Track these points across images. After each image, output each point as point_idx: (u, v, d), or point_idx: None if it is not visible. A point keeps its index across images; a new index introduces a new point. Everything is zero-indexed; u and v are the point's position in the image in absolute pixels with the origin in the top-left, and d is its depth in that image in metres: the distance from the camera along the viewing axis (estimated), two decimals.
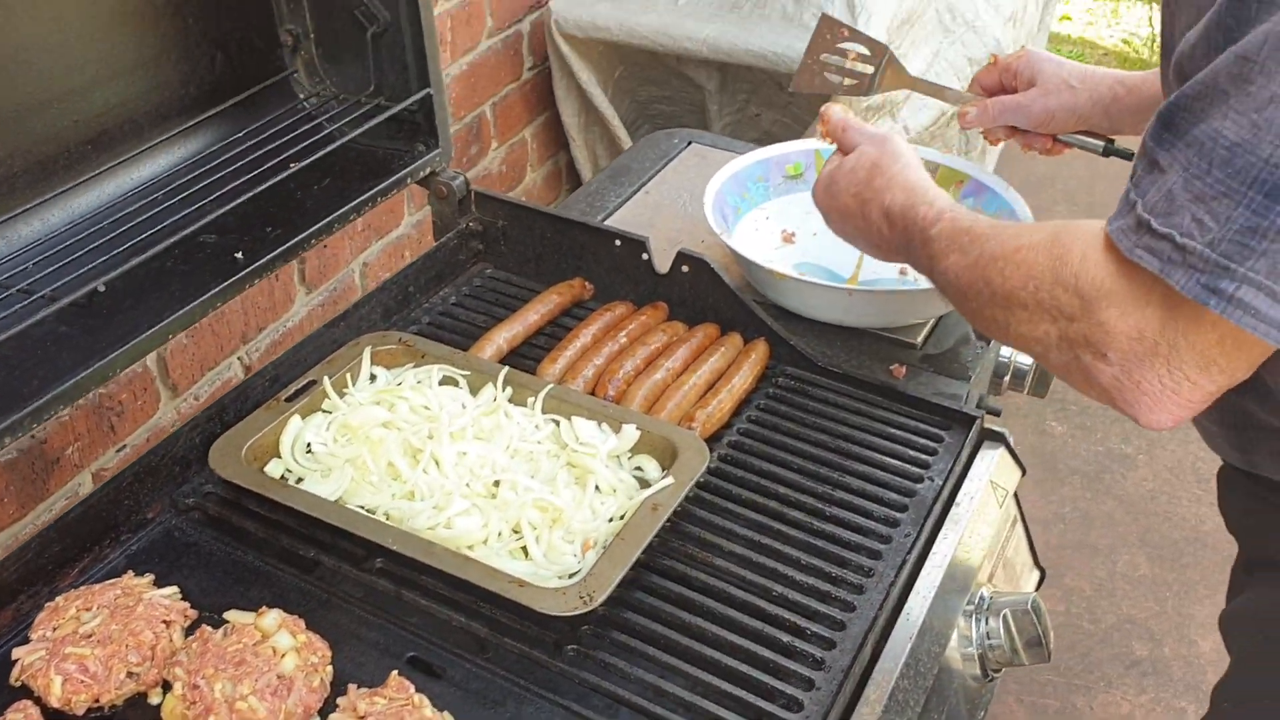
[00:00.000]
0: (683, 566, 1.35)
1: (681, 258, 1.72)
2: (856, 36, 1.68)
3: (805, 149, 2.02)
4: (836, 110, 1.47)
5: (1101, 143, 1.64)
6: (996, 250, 1.12)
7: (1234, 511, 1.37)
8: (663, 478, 1.39)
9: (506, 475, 1.41)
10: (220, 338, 2.21)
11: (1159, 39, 1.18)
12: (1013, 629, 1.43)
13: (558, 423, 1.50)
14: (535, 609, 1.22)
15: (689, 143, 2.31)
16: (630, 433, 1.47)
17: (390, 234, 2.68)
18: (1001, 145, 3.79)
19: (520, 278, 1.87)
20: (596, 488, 1.41)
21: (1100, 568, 3.10)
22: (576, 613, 1.21)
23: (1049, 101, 1.60)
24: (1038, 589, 1.70)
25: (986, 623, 1.44)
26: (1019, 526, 1.68)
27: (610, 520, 1.38)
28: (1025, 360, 1.87)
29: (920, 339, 1.76)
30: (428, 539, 1.31)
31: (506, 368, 1.55)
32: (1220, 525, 1.48)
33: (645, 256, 1.75)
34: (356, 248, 2.58)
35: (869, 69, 1.67)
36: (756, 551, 1.37)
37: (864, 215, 1.37)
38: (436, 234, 1.87)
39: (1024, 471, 1.64)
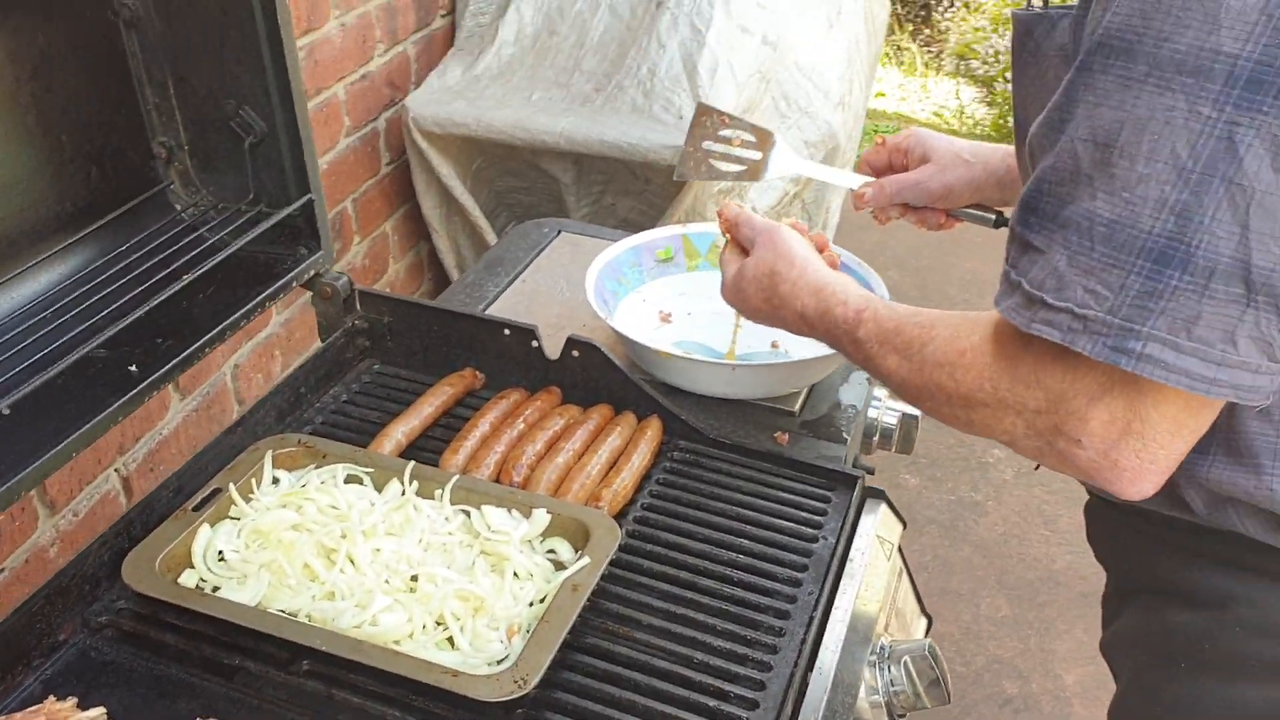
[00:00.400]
0: (606, 643, 1.39)
1: (571, 343, 1.78)
2: (738, 123, 1.74)
3: (673, 234, 2.12)
4: (731, 207, 1.54)
5: (993, 215, 1.68)
6: (940, 356, 1.16)
7: (1103, 542, 1.49)
8: (578, 558, 1.45)
9: (423, 568, 1.44)
10: (98, 450, 2.17)
11: (1014, 125, 1.29)
12: (914, 674, 1.52)
13: (468, 513, 1.54)
14: (471, 697, 1.25)
15: (559, 231, 2.39)
16: (541, 517, 1.51)
17: (260, 335, 2.68)
18: (837, 221, 4.00)
19: (409, 371, 1.90)
20: (514, 574, 1.45)
21: (965, 611, 3.26)
22: (512, 697, 1.25)
23: (947, 177, 1.65)
24: (928, 634, 1.81)
25: (889, 670, 1.52)
26: (905, 577, 1.78)
27: (531, 604, 1.42)
28: (891, 419, 1.99)
29: (798, 406, 1.86)
30: (355, 637, 1.33)
31: (412, 462, 1.59)
32: (1070, 563, 1.61)
33: (535, 344, 1.81)
34: (228, 350, 2.56)
35: (756, 155, 1.73)
36: (673, 622, 1.43)
37: (779, 317, 1.44)
38: (322, 334, 1.90)
39: (904, 525, 1.75)
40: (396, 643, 1.35)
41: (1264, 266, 0.94)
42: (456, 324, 1.86)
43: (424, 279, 3.46)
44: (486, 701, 1.25)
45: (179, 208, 1.85)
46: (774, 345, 1.95)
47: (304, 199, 1.79)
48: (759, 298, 1.45)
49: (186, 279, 1.62)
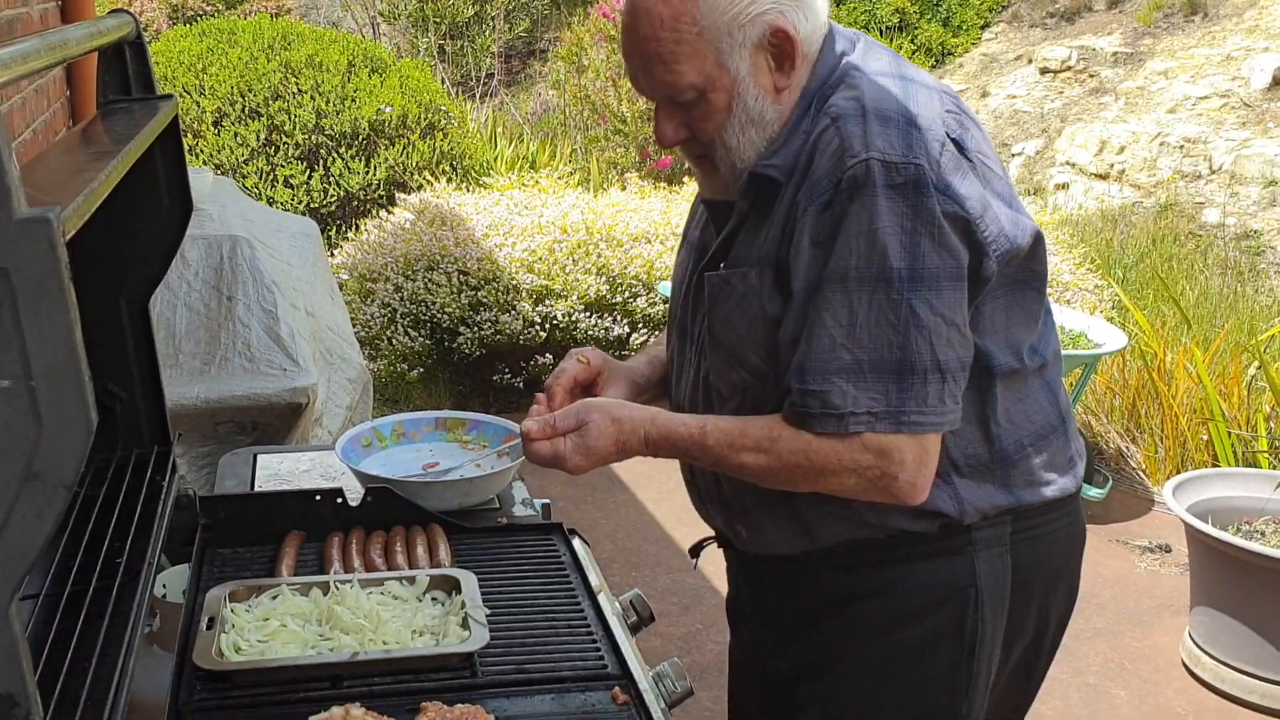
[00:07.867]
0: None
1: (369, 491, 2.68)
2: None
3: (367, 428, 3.08)
4: (532, 424, 2.01)
5: None
6: (793, 447, 1.81)
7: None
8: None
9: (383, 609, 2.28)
10: None
11: (714, 340, 1.99)
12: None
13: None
14: (464, 651, 2.15)
15: (254, 455, 3.19)
16: (423, 577, 2.42)
17: None
18: None
19: (250, 548, 2.63)
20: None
21: None
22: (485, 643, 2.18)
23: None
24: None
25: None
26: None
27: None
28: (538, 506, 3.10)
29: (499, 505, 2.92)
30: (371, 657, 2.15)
31: (333, 573, 2.39)
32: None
33: (340, 500, 2.67)
34: None
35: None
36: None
37: (623, 452, 1.95)
38: (179, 538, 2.58)
39: (588, 544, 2.86)
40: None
41: (943, 360, 1.79)
42: (275, 501, 2.65)
43: None
44: (471, 651, 2.16)
45: None
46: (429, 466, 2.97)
47: (165, 445, 2.53)
48: (607, 445, 1.94)
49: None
